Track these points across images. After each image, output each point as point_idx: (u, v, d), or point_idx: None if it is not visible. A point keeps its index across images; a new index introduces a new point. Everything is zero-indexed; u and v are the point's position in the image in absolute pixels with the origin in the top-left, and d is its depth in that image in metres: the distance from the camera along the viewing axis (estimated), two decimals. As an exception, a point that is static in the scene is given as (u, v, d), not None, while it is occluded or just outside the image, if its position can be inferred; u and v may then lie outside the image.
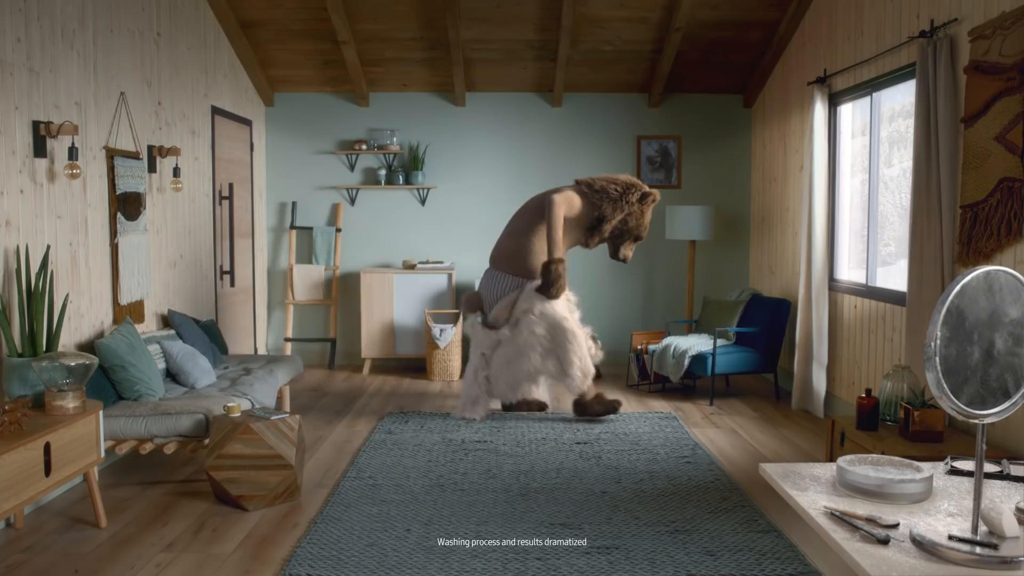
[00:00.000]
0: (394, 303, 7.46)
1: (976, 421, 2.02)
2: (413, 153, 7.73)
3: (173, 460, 4.81)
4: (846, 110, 5.99)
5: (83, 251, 4.54)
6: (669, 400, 6.43)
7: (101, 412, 3.82)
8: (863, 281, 5.64)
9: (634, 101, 7.82)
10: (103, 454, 3.83)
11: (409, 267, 7.53)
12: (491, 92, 7.79)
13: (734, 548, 3.54)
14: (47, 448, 3.38)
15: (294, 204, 7.78)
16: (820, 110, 5.87)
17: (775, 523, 3.82)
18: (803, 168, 6.36)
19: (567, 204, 5.61)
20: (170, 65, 5.64)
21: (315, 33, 6.86)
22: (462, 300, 6.03)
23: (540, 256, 5.66)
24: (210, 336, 5.56)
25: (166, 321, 5.49)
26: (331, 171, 7.82)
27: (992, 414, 2.02)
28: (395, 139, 7.72)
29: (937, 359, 1.96)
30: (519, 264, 5.68)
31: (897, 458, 2.54)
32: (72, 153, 4.15)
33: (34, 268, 4.01)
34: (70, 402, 3.62)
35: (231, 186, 6.76)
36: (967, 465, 2.62)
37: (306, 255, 7.85)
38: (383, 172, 7.71)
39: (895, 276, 5.34)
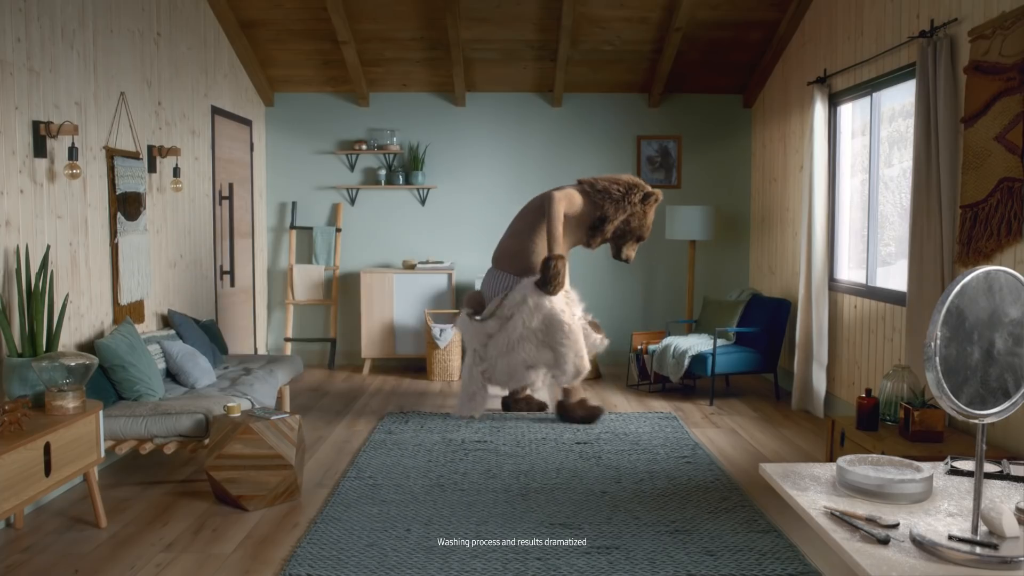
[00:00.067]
0: (394, 303, 7.46)
1: (976, 421, 2.02)
2: (413, 153, 7.73)
3: (173, 460, 4.81)
4: (846, 110, 5.99)
5: (83, 251, 4.54)
6: (669, 400, 6.43)
7: (101, 412, 3.82)
8: (863, 281, 5.64)
9: (634, 101, 7.82)
10: (103, 454, 3.83)
11: (409, 267, 7.53)
12: (491, 92, 7.79)
13: (734, 548, 3.54)
14: (47, 448, 3.38)
15: (294, 204, 7.79)
16: (820, 110, 5.87)
17: (775, 523, 3.82)
18: (803, 168, 6.36)
19: (567, 201, 5.58)
20: (170, 65, 5.64)
21: (315, 33, 6.86)
22: (463, 300, 6.01)
23: (542, 256, 5.63)
24: (210, 336, 5.56)
25: (166, 321, 5.49)
26: (331, 171, 7.82)
27: (992, 414, 2.02)
28: (395, 139, 7.72)
29: (937, 359, 1.96)
30: (522, 263, 5.66)
31: (897, 458, 2.54)
32: (72, 153, 4.15)
33: (34, 268, 4.01)
34: (70, 402, 3.62)
35: (231, 186, 6.76)
36: (967, 465, 2.62)
37: (306, 255, 7.85)
38: (383, 172, 7.71)
39: (895, 276, 5.34)
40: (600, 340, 5.74)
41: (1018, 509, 2.20)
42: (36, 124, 4.06)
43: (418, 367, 7.74)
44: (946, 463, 2.64)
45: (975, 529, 2.04)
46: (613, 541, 3.62)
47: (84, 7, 4.53)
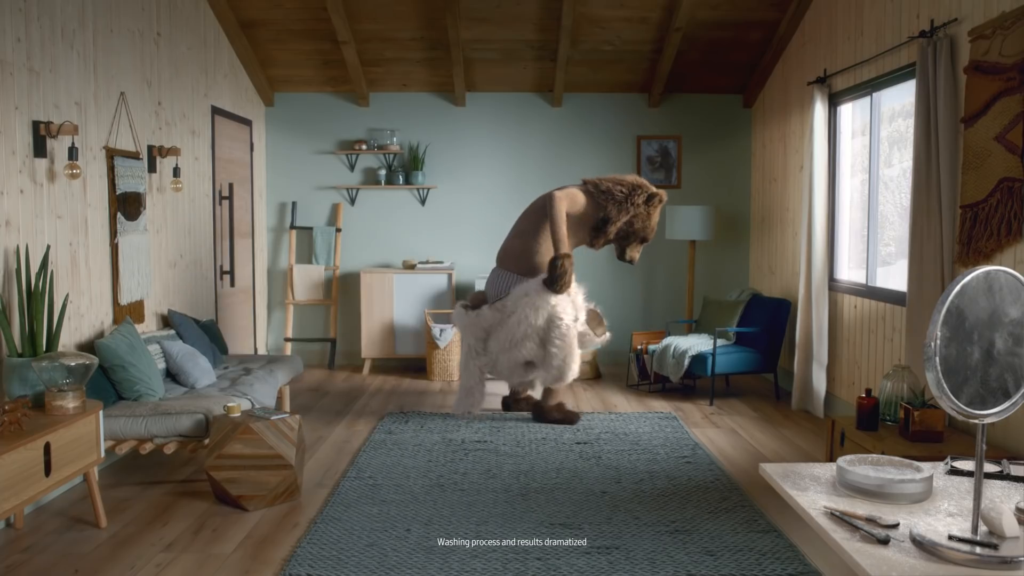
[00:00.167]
0: (394, 303, 7.46)
1: (976, 421, 2.02)
2: (413, 153, 7.73)
3: (173, 460, 4.81)
4: (846, 110, 5.99)
5: (83, 251, 4.54)
6: (669, 400, 6.43)
7: (101, 412, 3.82)
8: (863, 281, 5.64)
9: (634, 101, 7.82)
10: (103, 454, 3.83)
11: (409, 267, 7.53)
12: (491, 92, 7.79)
13: (734, 548, 3.54)
14: (47, 448, 3.38)
15: (294, 204, 7.79)
16: (820, 110, 5.87)
17: (775, 523, 3.82)
18: (803, 168, 6.36)
19: (569, 200, 5.56)
20: (170, 65, 5.64)
21: (315, 33, 6.86)
22: (468, 300, 5.99)
23: (547, 256, 5.61)
24: (210, 336, 5.56)
25: (166, 321, 5.49)
26: (331, 171, 7.82)
27: (992, 414, 2.02)
28: (395, 139, 7.72)
29: (937, 359, 1.96)
30: (526, 263, 5.64)
31: (897, 458, 2.54)
32: (72, 153, 4.15)
33: (34, 268, 4.01)
34: (70, 402, 3.62)
35: (231, 186, 6.76)
36: (967, 465, 2.62)
37: (306, 255, 7.85)
38: (383, 172, 7.71)
39: (895, 276, 5.34)
40: (601, 336, 5.72)
41: (1018, 509, 2.20)
42: (36, 124, 4.06)
43: (418, 367, 7.74)
44: (946, 463, 2.64)
45: (975, 529, 2.04)
46: (613, 541, 3.62)
47: (84, 7, 4.53)
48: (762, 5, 6.52)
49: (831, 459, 4.64)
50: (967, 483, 2.49)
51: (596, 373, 7.21)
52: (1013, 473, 2.58)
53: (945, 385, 1.97)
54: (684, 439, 5.25)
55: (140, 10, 5.20)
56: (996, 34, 4.02)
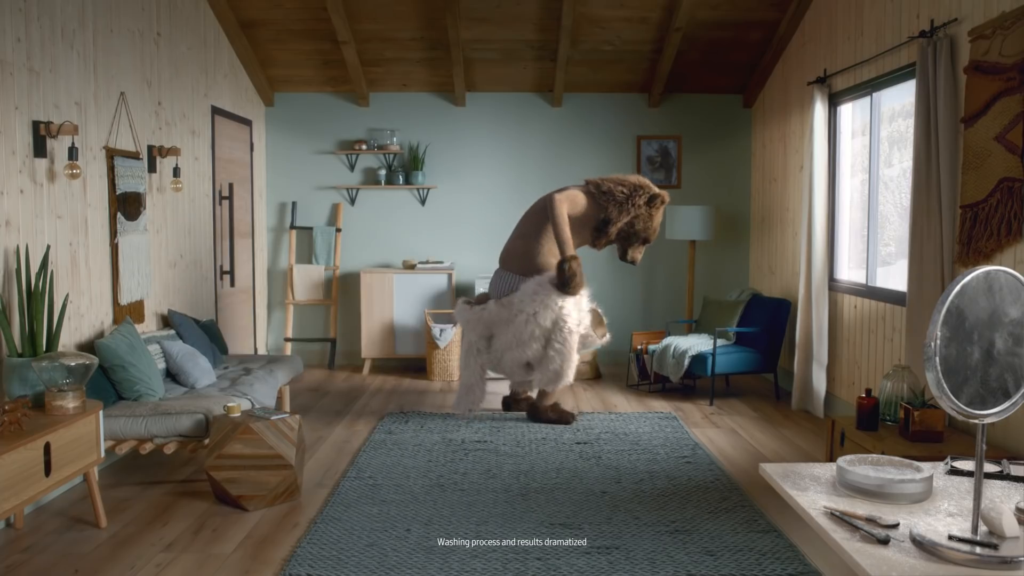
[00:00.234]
0: (394, 303, 7.46)
1: (976, 421, 2.02)
2: (413, 153, 7.73)
3: (173, 460, 4.81)
4: (846, 110, 5.99)
5: (83, 251, 4.54)
6: (669, 400, 6.43)
7: (101, 412, 3.82)
8: (863, 281, 5.64)
9: (634, 101, 7.82)
10: (103, 454, 3.83)
11: (409, 267, 7.53)
12: (491, 92, 7.79)
13: (734, 548, 3.54)
14: (47, 448, 3.38)
15: (294, 204, 7.79)
16: (820, 110, 5.87)
17: (775, 523, 3.82)
18: (803, 168, 6.36)
19: (570, 202, 5.55)
20: (170, 65, 5.64)
21: (315, 33, 6.86)
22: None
23: (549, 256, 5.60)
24: (210, 336, 5.56)
25: (166, 321, 5.49)
26: (331, 171, 7.82)
27: (992, 414, 2.02)
28: (395, 139, 7.72)
29: (937, 359, 1.96)
30: (529, 264, 5.63)
31: (897, 458, 2.54)
32: (72, 153, 4.15)
33: (34, 268, 4.01)
34: (70, 402, 3.62)
35: (231, 186, 6.76)
36: (967, 465, 2.62)
37: (306, 255, 7.85)
38: (383, 172, 7.71)
39: (895, 276, 5.34)
40: (602, 338, 5.72)
41: (1018, 509, 2.20)
42: (36, 124, 4.06)
43: (418, 367, 7.74)
44: (946, 463, 2.64)
45: (975, 529, 2.04)
46: (613, 541, 3.62)
47: (84, 7, 4.53)
48: (762, 5, 6.52)
49: (831, 459, 4.64)
50: (967, 483, 2.49)
51: (596, 373, 7.21)
52: (1013, 473, 2.58)
53: (945, 385, 1.97)
54: (684, 439, 5.25)
55: (140, 10, 5.20)
56: (996, 34, 4.02)
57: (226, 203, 6.68)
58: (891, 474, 2.42)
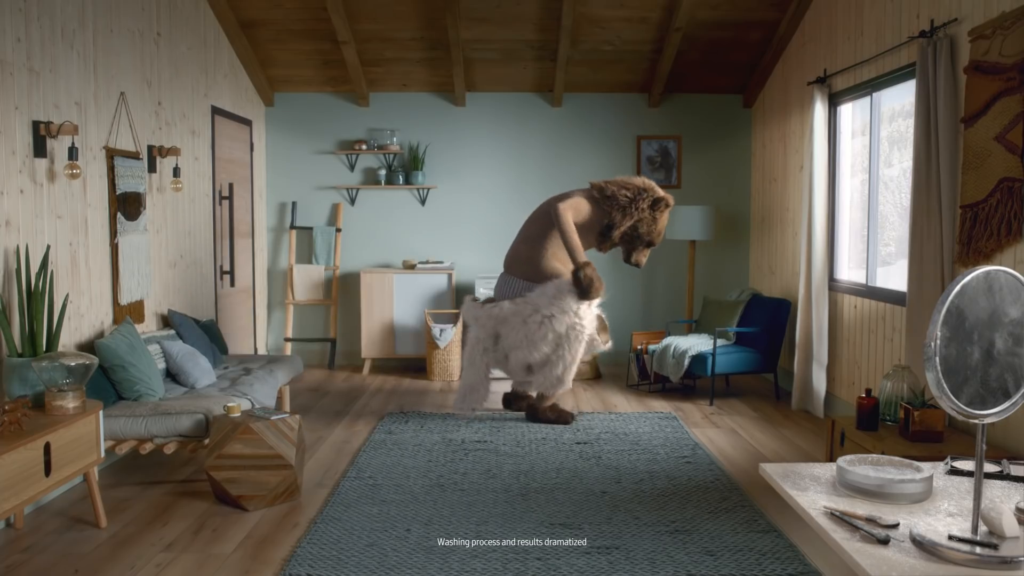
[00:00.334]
0: (394, 303, 7.46)
1: (976, 421, 2.02)
2: (413, 153, 7.73)
3: (173, 460, 4.81)
4: (846, 110, 5.99)
5: (83, 251, 4.54)
6: (669, 400, 6.43)
7: (101, 412, 3.82)
8: (863, 281, 5.64)
9: (634, 101, 7.82)
10: (103, 454, 3.83)
11: (409, 267, 7.53)
12: (491, 92, 7.79)
13: (734, 548, 3.54)
14: (47, 448, 3.38)
15: (294, 204, 7.79)
16: (820, 110, 5.87)
17: (775, 523, 3.82)
18: (803, 168, 6.36)
19: (574, 210, 5.52)
20: (170, 65, 5.64)
21: (315, 33, 6.86)
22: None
23: (554, 261, 5.60)
24: (210, 336, 5.56)
25: (166, 321, 5.49)
26: (331, 171, 7.82)
27: (992, 414, 2.02)
28: (395, 139, 7.72)
29: (937, 359, 1.96)
30: (533, 269, 5.62)
31: (897, 458, 2.54)
32: (72, 153, 4.15)
33: (34, 268, 4.01)
34: (70, 402, 3.62)
35: (231, 186, 6.76)
36: (967, 465, 2.62)
37: (306, 255, 7.85)
38: (383, 172, 7.71)
39: (895, 276, 5.34)
40: (605, 343, 5.71)
41: (1018, 509, 2.20)
42: (36, 124, 4.06)
43: (418, 367, 7.74)
44: (946, 463, 2.64)
45: (975, 529, 2.04)
46: (613, 541, 3.62)
47: (84, 7, 4.53)
48: (762, 5, 6.52)
49: (831, 459, 4.64)
50: (967, 483, 2.49)
51: (596, 373, 7.21)
52: (1013, 473, 2.58)
53: (945, 385, 1.97)
54: (684, 439, 5.25)
55: (140, 10, 5.20)
56: (996, 34, 4.02)
57: (226, 203, 6.68)
58: (891, 474, 2.42)
